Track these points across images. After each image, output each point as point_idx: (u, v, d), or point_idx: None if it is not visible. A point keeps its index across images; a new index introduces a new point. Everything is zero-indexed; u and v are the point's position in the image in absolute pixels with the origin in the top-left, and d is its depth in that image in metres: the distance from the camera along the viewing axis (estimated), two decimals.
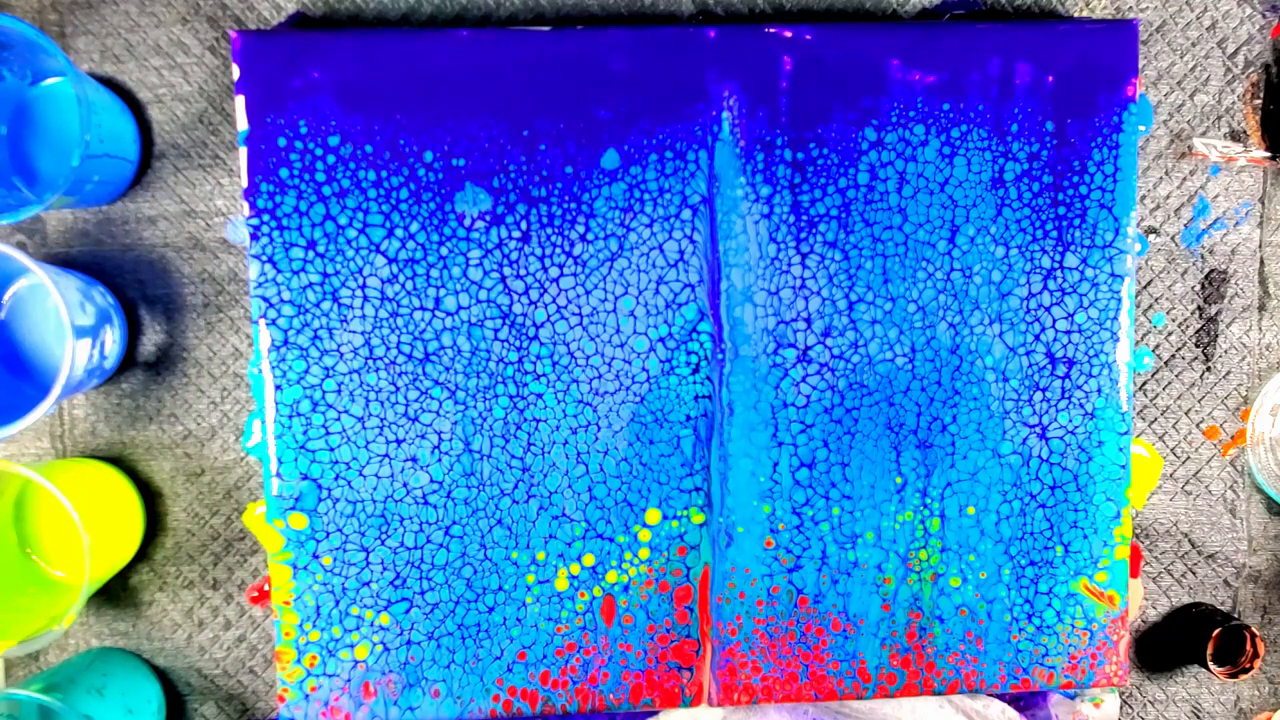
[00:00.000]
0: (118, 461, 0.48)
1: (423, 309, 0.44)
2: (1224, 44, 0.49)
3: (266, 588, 0.48)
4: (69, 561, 0.47)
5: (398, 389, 0.44)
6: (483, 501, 0.45)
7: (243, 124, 0.43)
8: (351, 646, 0.45)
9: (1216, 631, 0.48)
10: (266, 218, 0.43)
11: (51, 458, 0.48)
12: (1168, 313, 0.50)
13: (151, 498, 0.48)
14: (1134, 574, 0.51)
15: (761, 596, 0.46)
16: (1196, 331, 0.50)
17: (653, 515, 0.45)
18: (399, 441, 0.44)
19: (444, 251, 0.44)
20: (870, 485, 0.46)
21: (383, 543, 0.45)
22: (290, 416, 0.44)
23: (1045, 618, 0.47)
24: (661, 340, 0.45)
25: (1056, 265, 0.46)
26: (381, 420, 0.44)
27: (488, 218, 0.44)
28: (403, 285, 0.44)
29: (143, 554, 0.48)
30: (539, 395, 0.45)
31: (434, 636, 0.45)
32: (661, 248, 0.45)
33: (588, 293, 0.45)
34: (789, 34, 0.44)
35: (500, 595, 0.45)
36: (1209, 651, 0.48)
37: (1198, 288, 0.50)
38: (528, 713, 0.46)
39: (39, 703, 0.42)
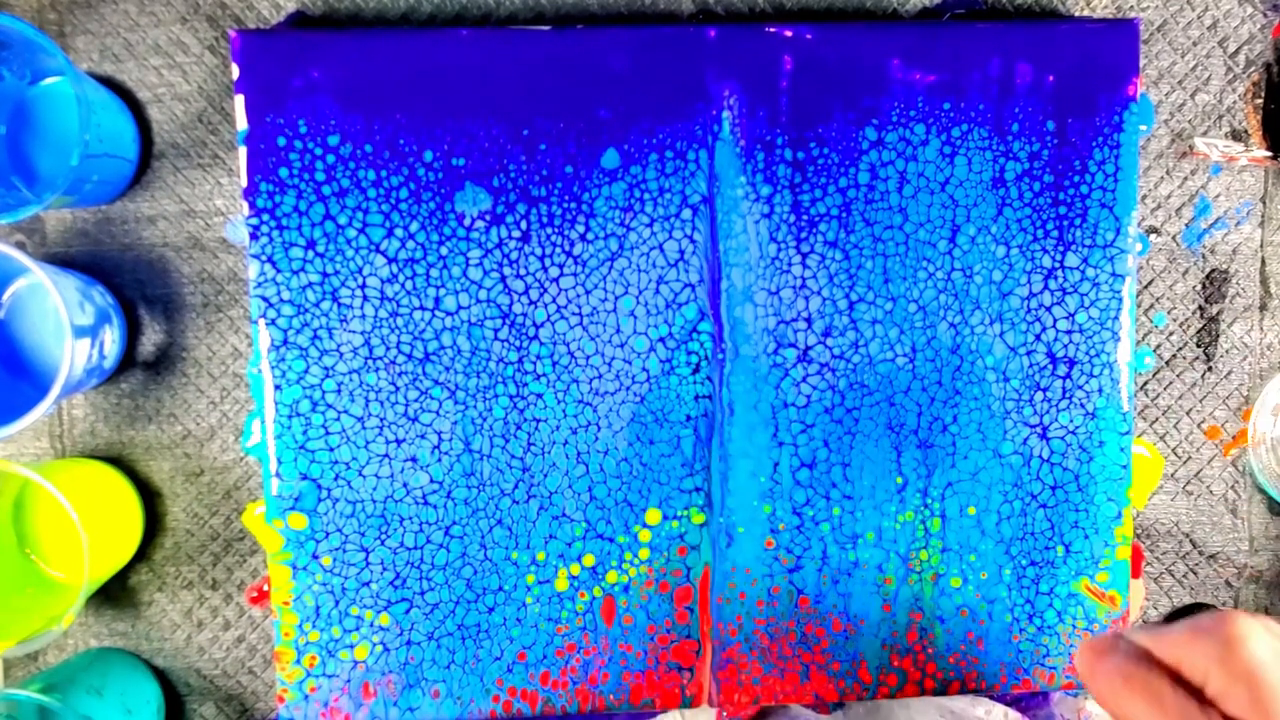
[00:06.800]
0: (117, 461, 0.48)
1: (423, 309, 0.44)
2: (1225, 43, 0.49)
3: (266, 588, 0.48)
4: (68, 561, 0.47)
5: (398, 389, 0.44)
6: (483, 502, 0.45)
7: (242, 123, 0.43)
8: (351, 647, 0.45)
9: None
10: (266, 217, 0.43)
11: (51, 458, 0.48)
12: (1169, 312, 0.50)
13: (151, 498, 0.48)
14: (1135, 574, 0.51)
15: (762, 597, 0.46)
16: (1198, 331, 0.50)
17: (653, 515, 0.45)
18: (399, 441, 0.44)
19: (444, 251, 0.44)
20: (871, 485, 0.46)
21: (382, 543, 0.45)
22: (290, 416, 0.44)
23: (1046, 618, 0.47)
24: (662, 340, 0.45)
25: (1057, 265, 0.46)
26: (381, 420, 0.44)
27: (488, 217, 0.44)
28: (403, 285, 0.44)
29: (142, 554, 0.48)
30: (539, 395, 0.45)
31: (434, 637, 0.45)
32: (662, 247, 0.45)
33: (588, 292, 0.45)
34: (789, 33, 0.44)
35: (500, 595, 0.45)
36: None
37: (1199, 287, 0.50)
38: (527, 713, 0.46)
39: (38, 703, 0.42)
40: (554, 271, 0.44)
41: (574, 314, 0.45)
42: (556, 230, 0.44)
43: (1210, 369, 0.50)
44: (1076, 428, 0.46)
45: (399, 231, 0.44)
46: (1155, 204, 0.49)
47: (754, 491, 0.45)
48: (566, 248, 0.44)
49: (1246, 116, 0.49)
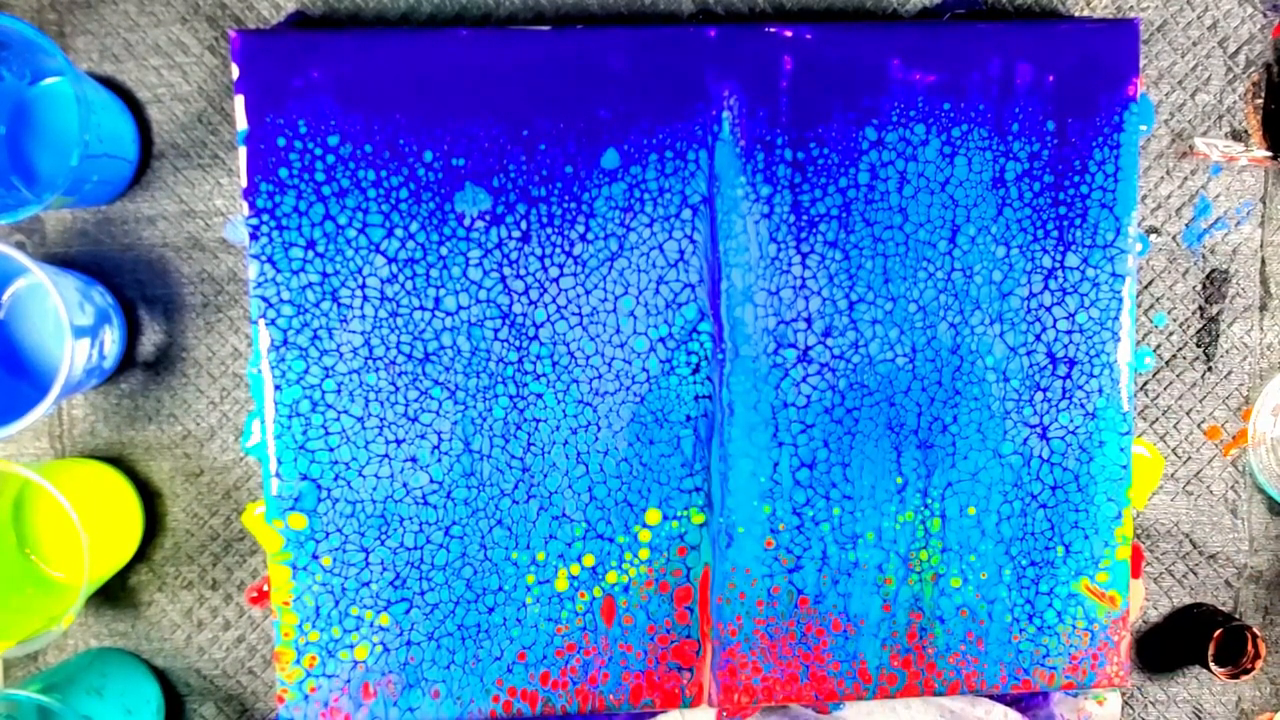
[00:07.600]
0: (117, 462, 0.48)
1: (422, 309, 0.44)
2: (1225, 43, 0.49)
3: (266, 588, 0.48)
4: (68, 562, 0.47)
5: (397, 389, 0.44)
6: (483, 502, 0.45)
7: (242, 124, 0.43)
8: (351, 647, 0.45)
9: (1218, 632, 0.48)
10: (266, 217, 0.43)
11: (50, 458, 0.48)
12: (1169, 312, 0.50)
13: (150, 498, 0.48)
14: (1135, 574, 0.51)
15: (762, 597, 0.46)
16: (1198, 331, 0.50)
17: (653, 515, 0.45)
18: (399, 442, 0.44)
19: (444, 251, 0.44)
20: (871, 485, 0.46)
21: (382, 543, 0.45)
22: (290, 417, 0.44)
23: (1046, 618, 0.47)
24: (662, 340, 0.45)
25: (1057, 265, 0.46)
26: (381, 420, 0.44)
27: (487, 217, 0.44)
28: (402, 285, 0.44)
29: (142, 554, 0.48)
30: (539, 395, 0.45)
31: (434, 637, 0.45)
32: (661, 247, 0.45)
33: (588, 293, 0.45)
34: (789, 33, 0.44)
35: (500, 596, 0.45)
36: (1210, 652, 0.48)
37: (1199, 287, 0.50)
38: (527, 713, 0.46)
39: (38, 703, 0.42)
40: (554, 271, 0.44)
41: (574, 314, 0.45)
42: (556, 230, 0.44)
43: (1210, 369, 0.50)
44: (1076, 428, 0.46)
45: (399, 231, 0.44)
46: (1155, 204, 0.49)
47: (754, 491, 0.45)
48: (566, 248, 0.44)
49: (1246, 116, 0.49)
